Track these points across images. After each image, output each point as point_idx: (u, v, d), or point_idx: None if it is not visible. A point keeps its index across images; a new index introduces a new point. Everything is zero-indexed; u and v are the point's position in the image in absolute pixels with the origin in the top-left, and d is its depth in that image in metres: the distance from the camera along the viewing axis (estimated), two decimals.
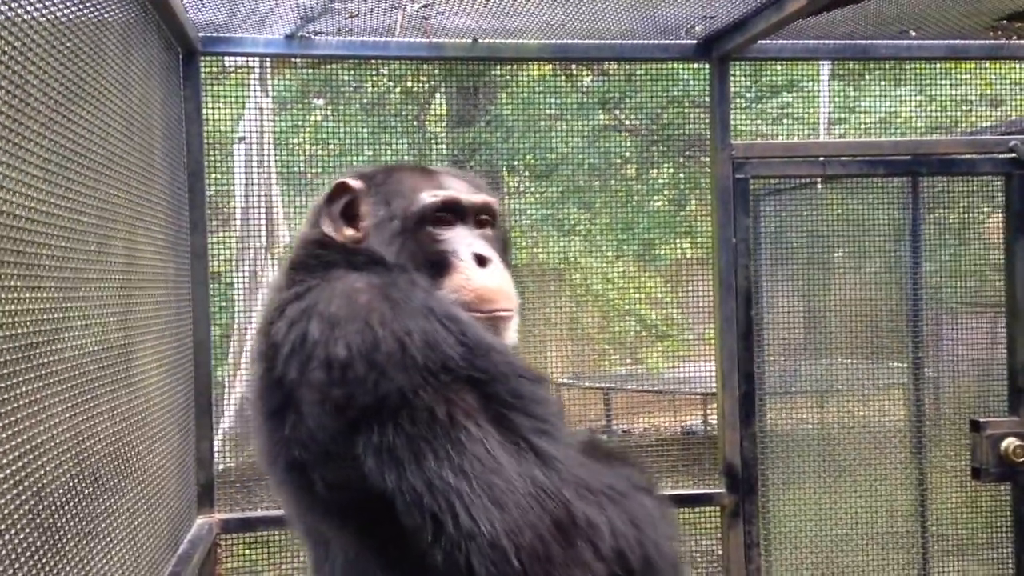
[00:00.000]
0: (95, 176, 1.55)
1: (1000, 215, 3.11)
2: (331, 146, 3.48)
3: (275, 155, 3.05)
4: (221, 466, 3.07)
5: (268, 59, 3.18)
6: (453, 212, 1.35)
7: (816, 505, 3.62)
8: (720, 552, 2.52)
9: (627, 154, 4.05)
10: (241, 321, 3.08)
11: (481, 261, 1.32)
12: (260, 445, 1.21)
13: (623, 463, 1.23)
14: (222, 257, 2.99)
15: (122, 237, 1.72)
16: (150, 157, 1.95)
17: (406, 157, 3.84)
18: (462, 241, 1.33)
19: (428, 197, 1.34)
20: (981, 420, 2.53)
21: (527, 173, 4.79)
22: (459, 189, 1.38)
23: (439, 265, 1.31)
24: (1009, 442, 2.49)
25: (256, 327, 1.35)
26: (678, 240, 4.09)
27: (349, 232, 1.35)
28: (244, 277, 3.04)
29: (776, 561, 3.81)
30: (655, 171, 4.39)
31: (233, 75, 3.32)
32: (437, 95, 4.81)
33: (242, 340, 3.11)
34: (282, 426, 1.13)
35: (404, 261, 1.30)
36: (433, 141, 4.44)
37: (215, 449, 2.33)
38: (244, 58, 2.93)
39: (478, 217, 1.38)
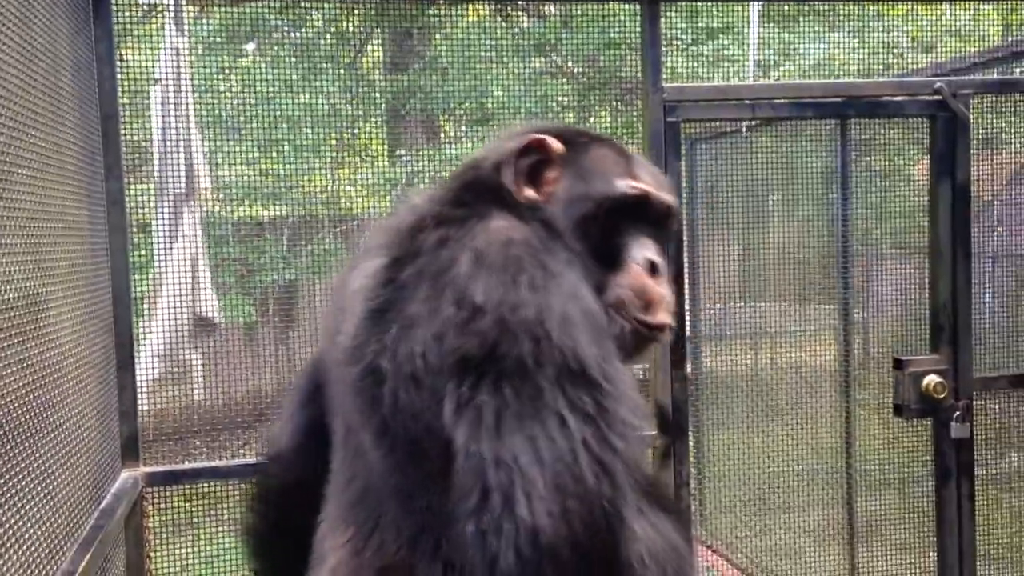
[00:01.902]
0: None
1: (924, 159, 3.17)
2: (259, 91, 3.38)
3: (194, 99, 2.94)
4: (143, 418, 3.01)
5: None
6: (643, 207, 1.30)
7: (747, 445, 3.71)
8: None
9: (565, 100, 4.02)
10: (160, 269, 3.00)
11: (653, 268, 1.27)
12: (350, 335, 1.16)
13: (676, 512, 1.25)
14: (141, 206, 2.90)
15: (27, 183, 1.65)
16: (57, 99, 1.87)
17: (339, 104, 3.76)
18: (640, 241, 1.28)
19: (628, 188, 1.29)
20: (903, 358, 2.59)
21: (464, 119, 4.72)
22: (653, 184, 1.33)
23: (609, 259, 1.26)
24: (930, 379, 2.56)
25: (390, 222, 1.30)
26: None
27: (530, 192, 1.30)
28: (164, 224, 2.95)
29: (709, 499, 3.91)
30: (593, 117, 4.36)
31: (152, 16, 3.19)
32: (372, 39, 4.70)
33: (157, 289, 3.03)
34: (382, 330, 1.10)
35: (577, 242, 1.25)
36: (367, 87, 4.35)
37: (139, 402, 2.28)
38: None
39: (661, 218, 1.33)
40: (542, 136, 1.32)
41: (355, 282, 1.24)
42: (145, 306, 3.10)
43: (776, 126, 3.56)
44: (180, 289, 2.86)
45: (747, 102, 2.57)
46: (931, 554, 3.09)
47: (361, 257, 1.30)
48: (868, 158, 3.64)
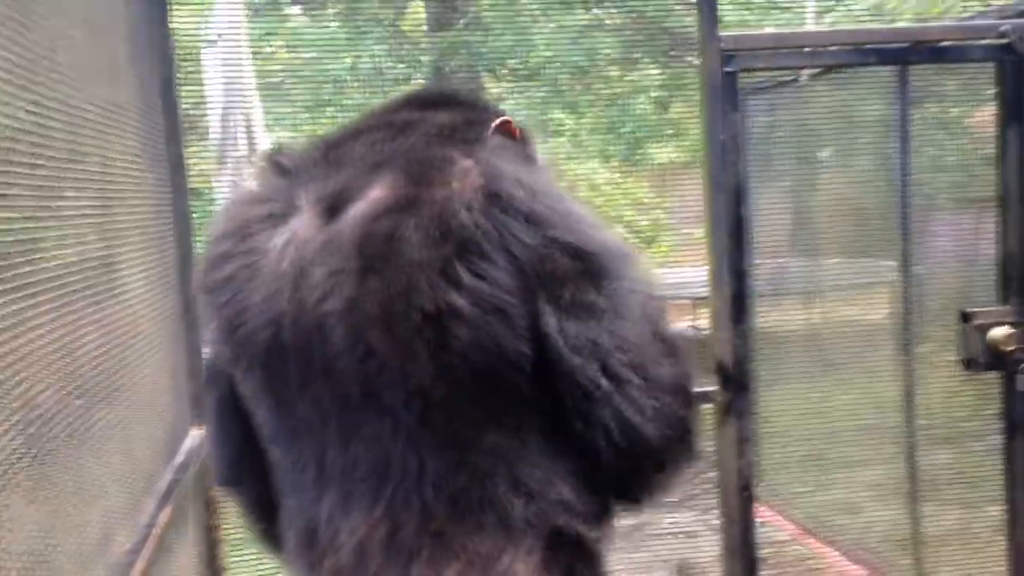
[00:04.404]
0: (61, 80, 1.48)
1: (988, 107, 3.07)
2: (306, 54, 3.37)
3: (250, 60, 2.94)
4: None
5: None
6: None
7: (803, 401, 3.67)
8: (713, 447, 2.55)
9: (611, 53, 3.95)
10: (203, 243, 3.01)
11: None
12: (398, 281, 1.06)
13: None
14: (201, 168, 2.92)
15: (95, 146, 1.66)
16: (115, 61, 1.87)
17: (385, 63, 3.74)
18: None
19: None
20: (971, 311, 2.53)
21: (509, 77, 4.68)
22: None
23: None
24: (998, 331, 2.50)
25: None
26: (664, 142, 4.04)
27: None
28: (225, 189, 2.96)
29: (765, 457, 3.89)
30: (639, 72, 4.30)
31: None
32: None
33: None
34: (447, 271, 1.05)
35: None
36: (411, 46, 4.32)
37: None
38: None
39: None
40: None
41: (314, 228, 1.12)
42: None
43: (831, 75, 3.47)
44: None
45: (807, 50, 2.50)
46: (993, 510, 3.05)
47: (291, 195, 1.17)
48: (925, 107, 3.54)
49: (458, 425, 1.09)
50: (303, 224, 1.14)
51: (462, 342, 1.05)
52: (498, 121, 1.29)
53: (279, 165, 1.25)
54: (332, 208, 1.14)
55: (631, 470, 1.14)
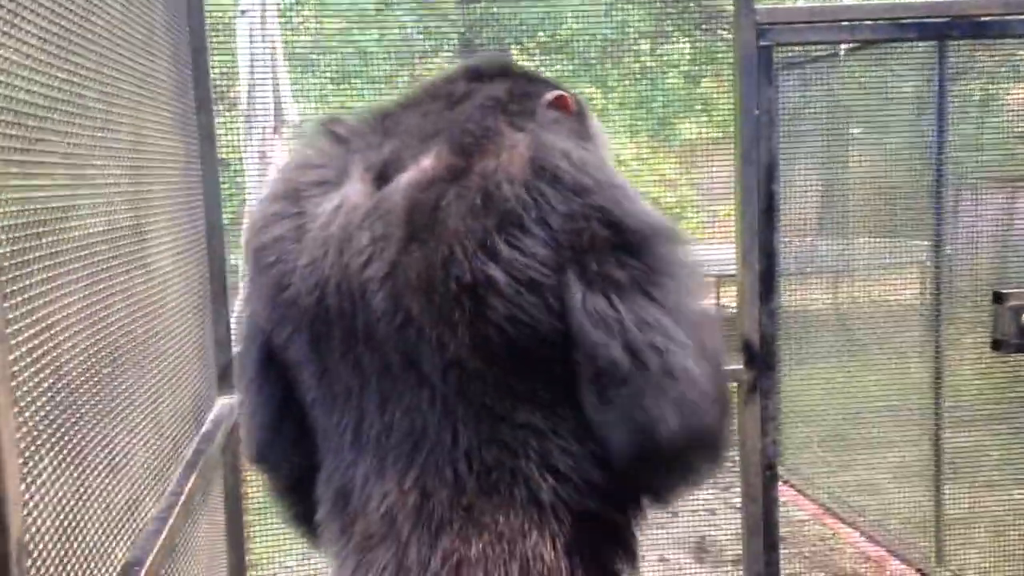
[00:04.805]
0: (95, 50, 1.48)
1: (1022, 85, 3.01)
2: (335, 24, 3.36)
3: (279, 31, 2.93)
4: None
5: None
6: None
7: (828, 381, 3.65)
8: (736, 426, 2.54)
9: (642, 26, 3.90)
10: (253, 203, 3.02)
11: None
12: (438, 252, 1.06)
13: None
14: (229, 140, 2.92)
15: (128, 115, 1.66)
16: (151, 31, 1.87)
17: (413, 34, 3.72)
18: None
19: None
20: (1004, 292, 2.50)
21: (538, 50, 4.63)
22: None
23: None
24: None
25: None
26: (693, 117, 3.99)
27: None
28: (254, 160, 2.96)
29: (787, 436, 3.88)
30: (670, 45, 4.24)
31: None
32: None
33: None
34: (487, 242, 1.04)
35: None
36: (439, 18, 4.29)
37: (234, 333, 2.33)
38: None
39: None
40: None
41: (362, 194, 1.13)
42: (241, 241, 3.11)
43: (865, 51, 3.41)
44: None
45: (843, 23, 2.45)
46: (1017, 493, 3.02)
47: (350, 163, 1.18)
48: (960, 84, 3.48)
49: (492, 399, 1.08)
50: (353, 190, 1.15)
51: (498, 314, 1.04)
52: (552, 95, 1.28)
53: (334, 133, 1.25)
54: (382, 176, 1.14)
55: (645, 461, 1.08)
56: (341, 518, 1.19)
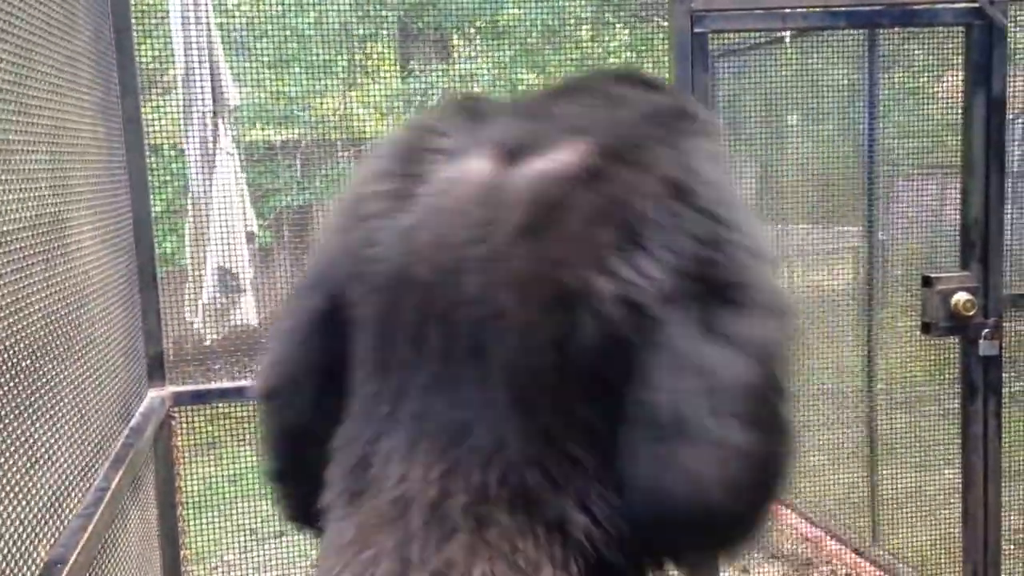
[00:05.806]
0: (11, 31, 1.42)
1: (954, 74, 3.08)
2: (269, 8, 3.29)
3: (213, 15, 2.85)
4: (208, 340, 2.98)
5: None
6: None
7: None
8: None
9: (581, 14, 3.90)
10: (197, 190, 2.93)
11: None
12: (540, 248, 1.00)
13: None
14: (164, 125, 2.84)
15: (45, 97, 1.60)
16: (71, 13, 1.81)
17: (352, 19, 3.67)
18: None
19: None
20: (932, 276, 2.56)
21: (478, 36, 4.62)
22: None
23: None
24: (959, 296, 2.53)
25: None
26: None
27: None
28: (195, 145, 2.87)
29: None
30: (608, 34, 4.26)
31: None
32: None
33: (198, 210, 2.96)
34: (603, 254, 0.97)
35: None
36: (378, 3, 4.24)
37: (163, 323, 2.27)
38: None
39: None
40: None
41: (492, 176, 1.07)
42: (187, 230, 3.02)
43: (803, 38, 3.46)
44: (228, 209, 2.82)
45: (776, 11, 2.48)
46: (948, 472, 3.10)
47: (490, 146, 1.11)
48: (892, 73, 3.55)
49: (551, 420, 1.00)
50: (477, 165, 1.08)
51: (591, 331, 0.97)
52: (707, 117, 1.20)
53: (468, 108, 1.19)
54: (511, 156, 1.08)
55: (657, 529, 0.99)
56: (353, 486, 1.09)
